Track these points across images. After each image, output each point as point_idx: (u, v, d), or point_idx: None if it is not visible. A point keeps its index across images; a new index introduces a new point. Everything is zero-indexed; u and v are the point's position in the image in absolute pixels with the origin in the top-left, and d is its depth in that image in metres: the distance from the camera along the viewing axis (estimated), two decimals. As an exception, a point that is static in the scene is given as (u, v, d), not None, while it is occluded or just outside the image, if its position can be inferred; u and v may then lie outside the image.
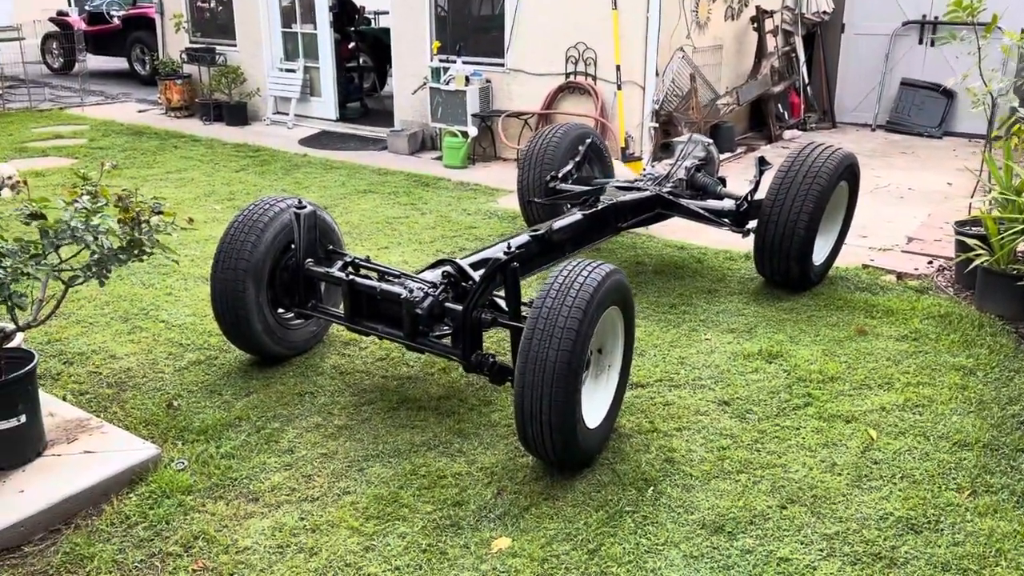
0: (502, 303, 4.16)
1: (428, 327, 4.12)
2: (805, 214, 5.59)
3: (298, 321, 4.95)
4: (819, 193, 5.60)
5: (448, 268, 4.53)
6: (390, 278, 4.50)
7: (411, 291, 4.11)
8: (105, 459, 3.84)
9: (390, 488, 3.78)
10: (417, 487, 3.79)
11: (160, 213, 3.66)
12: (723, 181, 6.56)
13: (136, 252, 3.59)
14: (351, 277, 4.38)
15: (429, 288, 4.20)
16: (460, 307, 4.02)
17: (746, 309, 5.73)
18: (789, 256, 5.71)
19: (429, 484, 3.81)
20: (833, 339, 5.24)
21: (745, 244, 6.78)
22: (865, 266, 6.54)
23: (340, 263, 4.60)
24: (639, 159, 9.52)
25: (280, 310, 4.92)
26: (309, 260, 4.62)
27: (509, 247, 4.89)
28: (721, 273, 6.45)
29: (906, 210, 8.19)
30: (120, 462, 3.83)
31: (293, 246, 4.74)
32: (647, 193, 6.05)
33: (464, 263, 4.53)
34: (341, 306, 4.62)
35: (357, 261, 4.62)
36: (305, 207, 4.62)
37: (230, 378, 4.80)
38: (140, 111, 13.82)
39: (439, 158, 10.61)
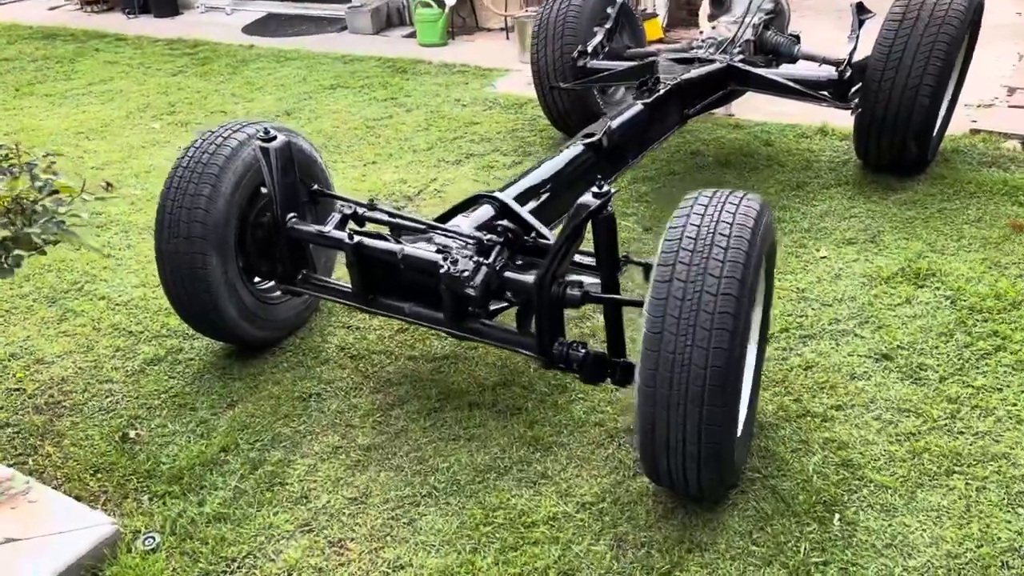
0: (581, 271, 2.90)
1: (482, 307, 2.83)
2: (930, 76, 4.24)
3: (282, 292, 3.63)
4: (947, 47, 4.24)
5: (490, 209, 3.21)
6: (411, 232, 3.16)
7: (451, 257, 2.79)
8: (36, 551, 2.61)
9: (459, 553, 2.60)
10: (499, 547, 2.60)
11: (55, 192, 2.28)
12: (797, 39, 5.15)
13: (13, 257, 2.23)
14: (357, 239, 3.03)
15: (474, 248, 2.89)
16: (530, 279, 2.72)
17: (855, 207, 4.46)
18: (907, 132, 4.41)
19: (515, 540, 2.63)
20: (986, 242, 4.01)
21: (815, 117, 5.46)
22: (973, 131, 5.26)
23: (337, 216, 3.23)
24: (654, 16, 7.97)
25: (257, 279, 3.60)
26: (292, 216, 3.26)
27: (575, 167, 3.58)
28: (801, 158, 5.14)
29: (984, 52, 6.81)
30: (59, 555, 2.60)
31: (264, 190, 3.37)
32: (716, 65, 4.64)
33: (516, 204, 3.20)
34: (339, 277, 3.32)
35: (359, 211, 3.26)
36: (274, 137, 3.21)
37: (203, 381, 3.52)
38: (51, 8, 11.79)
39: (412, 35, 8.96)
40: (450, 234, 3.02)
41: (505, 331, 2.86)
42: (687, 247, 2.36)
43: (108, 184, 2.62)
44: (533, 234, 2.96)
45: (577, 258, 2.86)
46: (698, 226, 2.40)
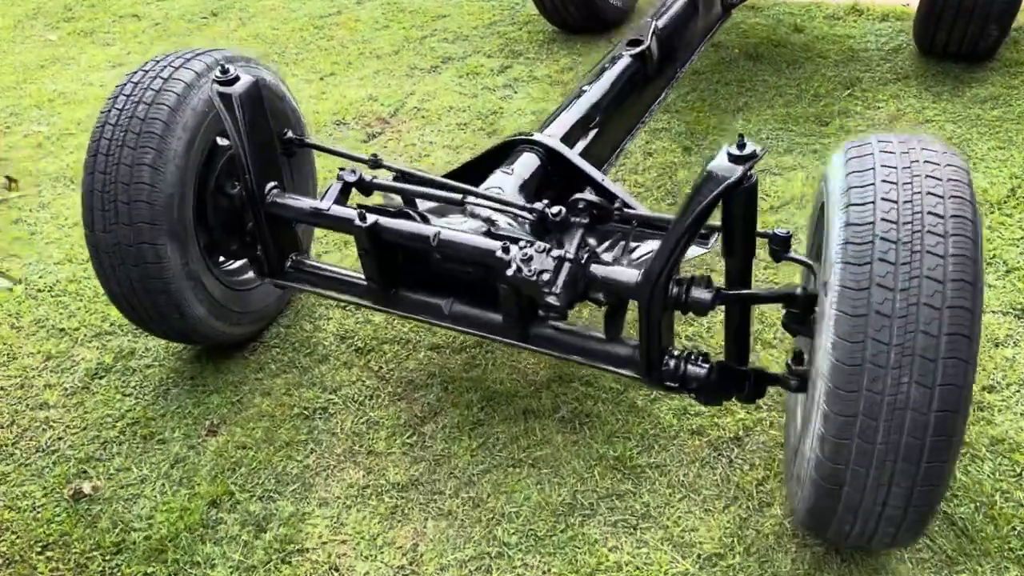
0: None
1: (561, 314, 2.06)
2: (1025, -56, 3.48)
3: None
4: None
5: (534, 159, 2.42)
6: (440, 203, 2.36)
7: (518, 249, 2.00)
8: None
9: (561, 644, 1.95)
10: (611, 633, 1.97)
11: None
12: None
13: None
14: (370, 218, 2.21)
15: (538, 228, 2.12)
16: (633, 276, 1.96)
17: (927, 109, 3.76)
18: (988, 14, 3.67)
19: (630, 620, 1.99)
20: (1096, 148, 3.38)
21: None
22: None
23: (337, 186, 2.37)
24: None
25: (224, 259, 2.78)
26: (272, 186, 2.40)
27: (623, 87, 2.79)
28: (843, 47, 4.37)
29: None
30: None
31: (223, 141, 2.51)
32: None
33: (570, 151, 2.41)
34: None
35: (364, 176, 2.41)
36: (235, 78, 2.32)
37: (169, 399, 2.73)
38: None
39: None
40: (498, 204, 2.23)
41: (588, 339, 2.12)
42: (887, 235, 1.63)
43: (11, 180, 1.73)
44: (619, 204, 2.18)
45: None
46: (896, 202, 1.67)
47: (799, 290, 1.98)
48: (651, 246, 2.37)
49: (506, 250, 2.00)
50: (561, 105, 2.76)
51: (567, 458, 2.40)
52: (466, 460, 2.42)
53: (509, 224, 2.25)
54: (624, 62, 2.90)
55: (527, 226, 2.24)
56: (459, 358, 2.77)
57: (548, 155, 2.48)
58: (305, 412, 2.64)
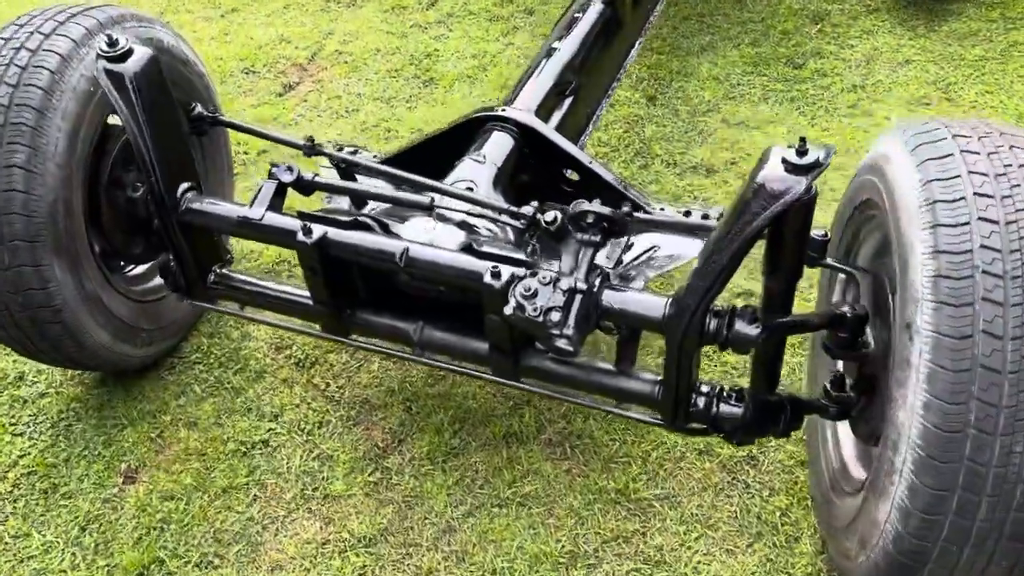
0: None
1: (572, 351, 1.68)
2: None
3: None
4: None
5: (507, 141, 2.02)
6: (390, 201, 1.92)
7: (506, 272, 1.60)
8: None
9: None
10: None
11: None
12: None
13: None
14: (315, 230, 1.75)
15: (533, 243, 1.72)
16: (658, 307, 1.59)
17: (904, 47, 3.44)
18: (969, -58, 3.36)
19: None
20: (1087, 91, 3.15)
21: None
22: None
23: (269, 187, 1.88)
24: None
25: (126, 264, 2.29)
26: (186, 188, 1.91)
27: (596, 39, 2.39)
28: (805, -27, 3.99)
29: None
30: None
31: (115, 120, 2.01)
32: None
33: (552, 131, 2.00)
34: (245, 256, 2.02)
35: (303, 175, 1.92)
36: (127, 51, 1.80)
37: (72, 436, 2.27)
38: None
39: None
40: (474, 205, 1.81)
41: (595, 373, 1.75)
42: (991, 267, 1.31)
43: None
44: (627, 207, 1.78)
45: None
46: (997, 222, 1.35)
47: (847, 310, 1.66)
48: (651, 240, 2.01)
49: (496, 275, 1.60)
50: (528, 68, 2.32)
51: (561, 492, 2.07)
52: (442, 501, 2.07)
53: (489, 231, 1.84)
54: (595, 9, 2.47)
55: (510, 231, 1.84)
56: (420, 368, 2.38)
57: (523, 135, 2.06)
58: (242, 447, 2.22)
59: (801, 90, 3.25)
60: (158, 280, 2.26)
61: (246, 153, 3.15)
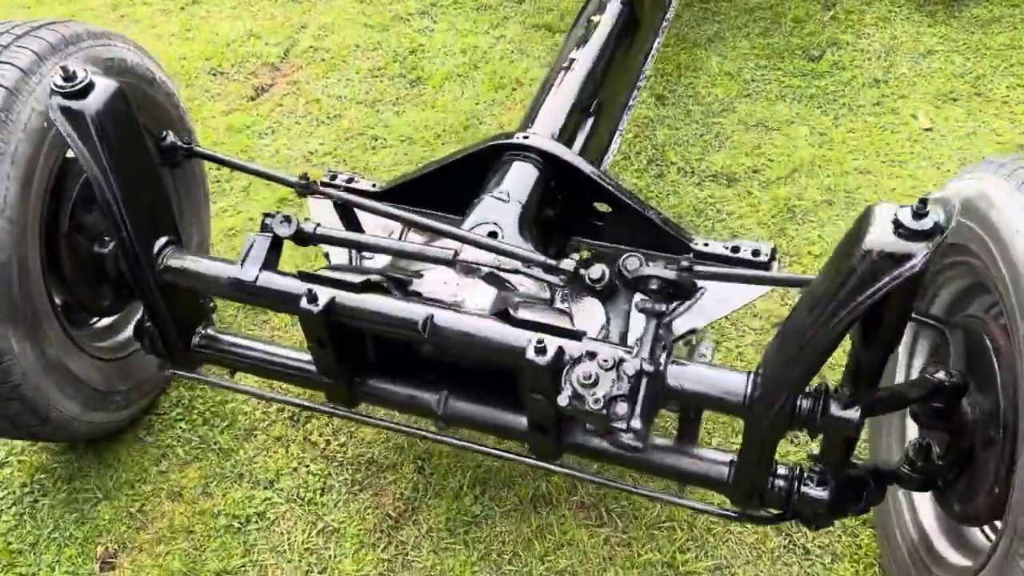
0: None
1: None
2: None
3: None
4: None
5: (531, 171, 1.77)
6: (393, 253, 1.66)
7: (552, 345, 1.35)
8: None
9: None
10: None
11: None
12: None
13: None
14: (322, 295, 1.49)
15: (582, 300, 1.48)
16: (739, 388, 1.35)
17: (925, 35, 3.22)
18: (994, -79, 3.13)
19: None
20: (1123, 83, 2.96)
21: None
22: None
23: (262, 243, 1.60)
24: None
25: (92, 317, 2.01)
26: (165, 243, 1.63)
27: (617, 46, 2.15)
28: (810, -47, 3.74)
29: None
30: None
31: (71, 154, 1.72)
32: None
33: (581, 160, 1.76)
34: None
35: (303, 226, 1.63)
36: (88, 85, 1.51)
37: (39, 512, 1.99)
38: None
39: None
40: (505, 258, 1.56)
41: (658, 452, 1.51)
42: None
43: None
44: (687, 262, 1.53)
45: None
46: None
47: (944, 377, 1.44)
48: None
49: (542, 350, 1.36)
50: (545, 84, 2.05)
51: (599, 567, 1.84)
52: (468, 581, 1.84)
53: (521, 284, 1.59)
54: (613, 10, 2.20)
55: (546, 287, 1.59)
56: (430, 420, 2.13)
57: (547, 164, 1.81)
58: (236, 521, 1.96)
59: (820, 86, 3.02)
60: (129, 331, 1.99)
61: (219, 169, 2.85)
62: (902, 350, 1.71)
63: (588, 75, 2.05)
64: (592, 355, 1.33)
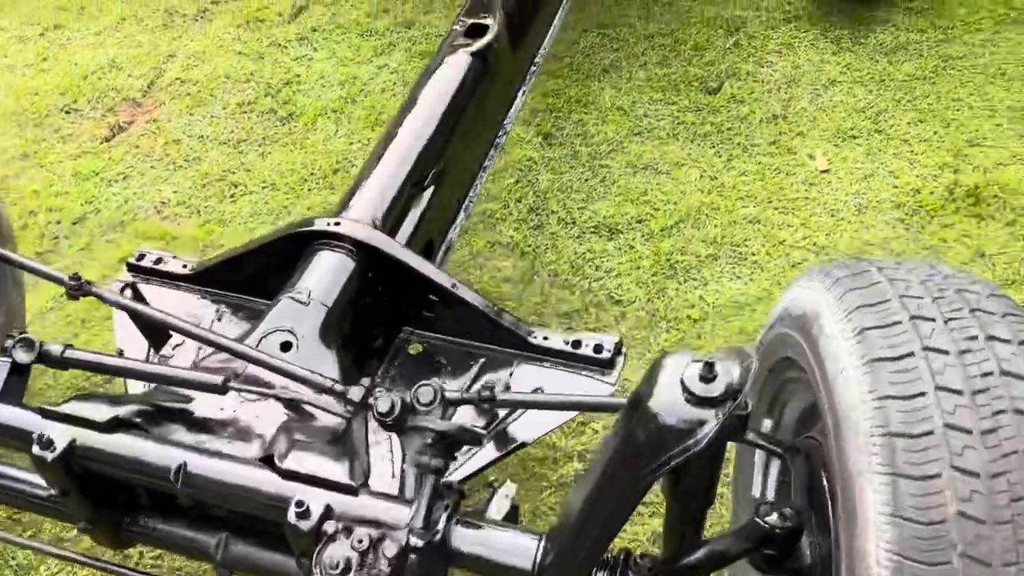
0: None
1: None
2: None
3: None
4: None
5: (343, 265, 1.57)
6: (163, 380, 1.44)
7: (318, 504, 1.15)
8: None
9: None
10: None
11: None
12: None
13: None
14: (61, 441, 1.26)
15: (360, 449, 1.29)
16: (531, 557, 1.15)
17: (828, 64, 3.05)
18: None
19: None
20: (1029, 117, 2.81)
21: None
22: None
23: (4, 366, 1.37)
24: None
25: None
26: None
27: (465, 107, 1.95)
28: (717, -29, 3.56)
29: None
30: None
31: None
32: None
33: (408, 252, 1.57)
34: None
35: (49, 348, 1.40)
36: None
37: None
38: None
39: None
40: (288, 383, 1.35)
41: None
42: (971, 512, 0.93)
43: None
44: (487, 395, 1.32)
45: None
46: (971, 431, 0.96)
47: (776, 522, 1.26)
48: (533, 378, 1.60)
49: (303, 513, 1.15)
50: (372, 155, 1.83)
51: None
52: None
53: (308, 413, 1.39)
54: (461, 64, 1.99)
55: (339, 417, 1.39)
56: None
57: (364, 255, 1.60)
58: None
59: (715, 122, 2.84)
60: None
61: (59, 222, 2.60)
62: (756, 474, 1.53)
63: (426, 144, 1.84)
64: (349, 530, 1.12)
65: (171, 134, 2.92)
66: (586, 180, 2.68)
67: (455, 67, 1.97)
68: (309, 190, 2.70)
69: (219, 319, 1.73)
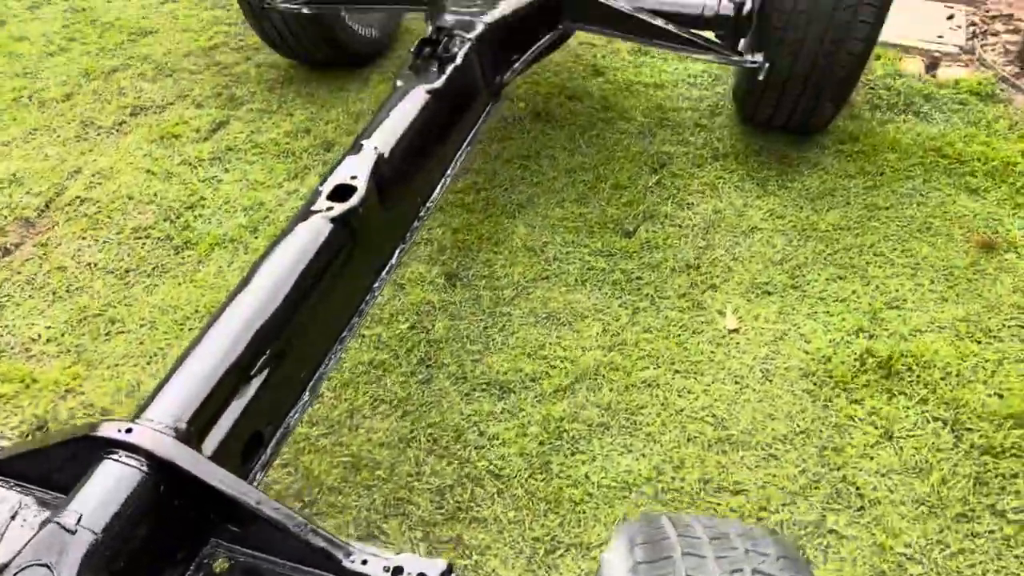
0: None
1: None
2: (869, 7, 2.70)
3: None
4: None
5: (130, 478, 1.40)
6: None
7: None
8: None
9: None
10: None
11: None
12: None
13: None
14: None
15: None
16: None
17: (750, 207, 2.96)
18: (822, 90, 2.89)
19: None
20: (951, 275, 2.69)
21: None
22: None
23: None
24: None
25: None
26: None
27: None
28: (650, 102, 3.49)
29: None
30: None
31: None
32: (539, -8, 2.77)
33: (220, 473, 1.41)
34: None
35: None
36: None
37: None
38: None
39: None
40: None
41: None
42: None
43: None
44: None
45: None
46: None
47: None
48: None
49: None
50: (198, 335, 1.68)
51: None
52: None
53: None
54: (316, 232, 1.85)
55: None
56: None
57: (158, 468, 1.43)
58: None
59: (626, 270, 2.72)
60: None
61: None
62: None
63: (263, 322, 1.69)
64: None
65: (58, 260, 2.78)
66: (484, 329, 2.54)
67: (308, 236, 1.83)
68: (189, 330, 2.54)
69: (14, 517, 1.56)
